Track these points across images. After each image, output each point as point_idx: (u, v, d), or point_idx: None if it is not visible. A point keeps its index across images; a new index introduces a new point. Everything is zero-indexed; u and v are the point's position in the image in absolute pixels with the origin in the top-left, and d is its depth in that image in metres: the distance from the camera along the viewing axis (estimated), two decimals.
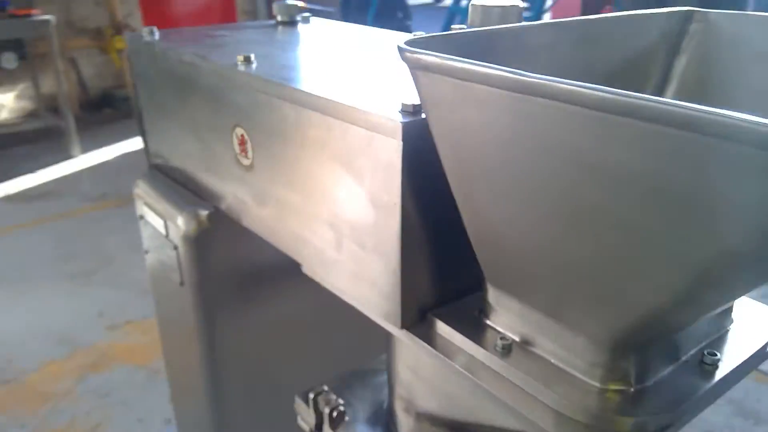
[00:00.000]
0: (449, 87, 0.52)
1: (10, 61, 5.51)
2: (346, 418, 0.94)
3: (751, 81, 0.77)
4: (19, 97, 5.98)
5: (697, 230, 0.41)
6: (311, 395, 0.95)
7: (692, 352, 0.66)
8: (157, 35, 1.17)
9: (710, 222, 0.40)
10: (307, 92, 0.76)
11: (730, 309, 0.71)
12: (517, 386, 0.64)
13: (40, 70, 5.72)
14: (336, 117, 0.73)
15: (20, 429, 2.52)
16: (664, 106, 0.38)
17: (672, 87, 0.81)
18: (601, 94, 0.40)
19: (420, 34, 0.69)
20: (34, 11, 5.28)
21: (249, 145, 0.91)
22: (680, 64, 0.82)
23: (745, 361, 0.66)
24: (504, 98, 0.47)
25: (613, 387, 0.61)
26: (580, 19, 0.75)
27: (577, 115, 0.43)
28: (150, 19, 6.99)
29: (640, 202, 0.44)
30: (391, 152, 0.66)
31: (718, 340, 0.69)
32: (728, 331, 0.71)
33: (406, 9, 7.58)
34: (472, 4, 0.75)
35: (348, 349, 1.07)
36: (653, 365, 0.62)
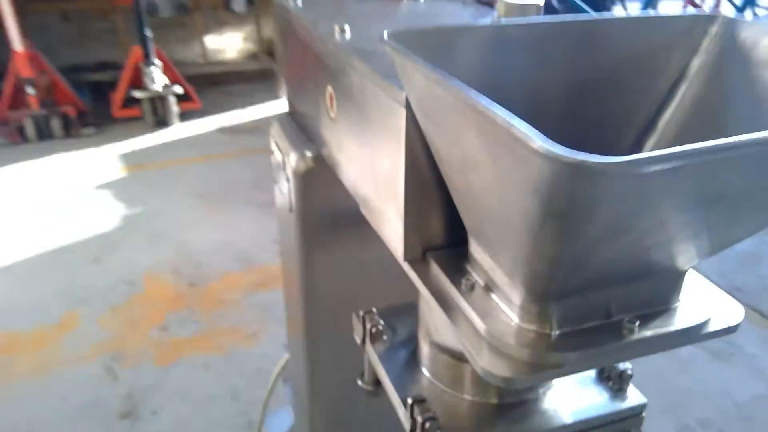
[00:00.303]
0: (405, 72, 0.68)
1: (239, 4, 6.15)
2: (384, 337, 1.13)
3: (754, 87, 0.82)
4: (244, 39, 6.70)
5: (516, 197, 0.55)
6: (362, 314, 1.15)
7: (620, 317, 0.76)
8: (299, 1, 1.40)
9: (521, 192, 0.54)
10: (362, 63, 0.95)
11: (676, 290, 0.79)
12: (468, 319, 0.80)
13: (264, 15, 6.35)
14: (375, 85, 0.90)
15: (195, 324, 3.02)
16: (474, 103, 0.52)
17: (685, 84, 0.88)
18: (451, 87, 0.55)
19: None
20: None
21: (335, 102, 1.11)
22: (696, 63, 0.88)
23: (660, 335, 0.75)
24: (421, 84, 0.63)
25: (536, 329, 0.74)
26: (588, 18, 0.85)
27: (450, 102, 0.57)
28: None
29: (494, 176, 0.58)
30: (400, 118, 0.83)
31: (655, 314, 0.78)
32: (671, 308, 0.79)
33: None
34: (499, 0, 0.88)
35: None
36: (575, 318, 0.74)
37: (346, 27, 1.10)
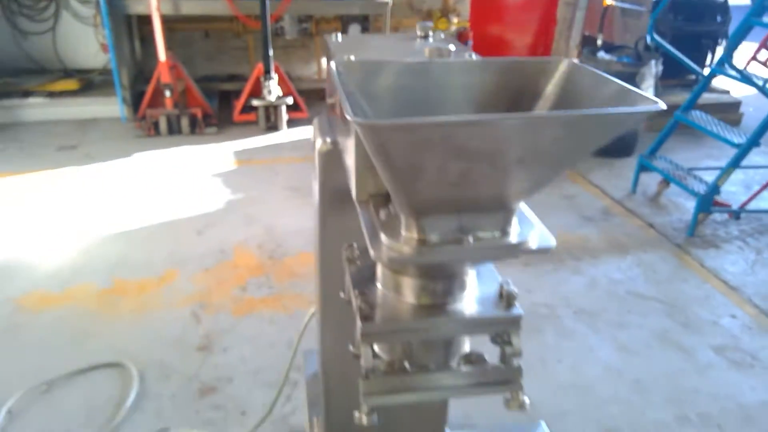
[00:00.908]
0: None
1: (355, 31, 6.89)
2: (358, 262, 1.65)
3: (580, 97, 1.31)
4: None
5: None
6: (345, 246, 1.70)
7: (469, 231, 1.27)
8: (340, 38, 1.98)
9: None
10: (339, 81, 1.51)
11: (508, 220, 1.28)
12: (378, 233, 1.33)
13: None
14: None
15: (269, 288, 3.66)
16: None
17: (542, 100, 1.37)
18: (342, 95, 1.10)
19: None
20: None
21: (338, 105, 1.68)
22: (549, 89, 1.36)
23: (488, 247, 1.25)
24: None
25: (416, 236, 1.26)
26: (481, 59, 1.38)
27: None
28: (476, 6, 7.88)
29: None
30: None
31: (492, 236, 1.27)
32: (505, 233, 1.28)
33: (726, 11, 6.82)
34: (425, 46, 1.42)
35: None
36: (438, 231, 1.25)
37: (352, 57, 1.67)
